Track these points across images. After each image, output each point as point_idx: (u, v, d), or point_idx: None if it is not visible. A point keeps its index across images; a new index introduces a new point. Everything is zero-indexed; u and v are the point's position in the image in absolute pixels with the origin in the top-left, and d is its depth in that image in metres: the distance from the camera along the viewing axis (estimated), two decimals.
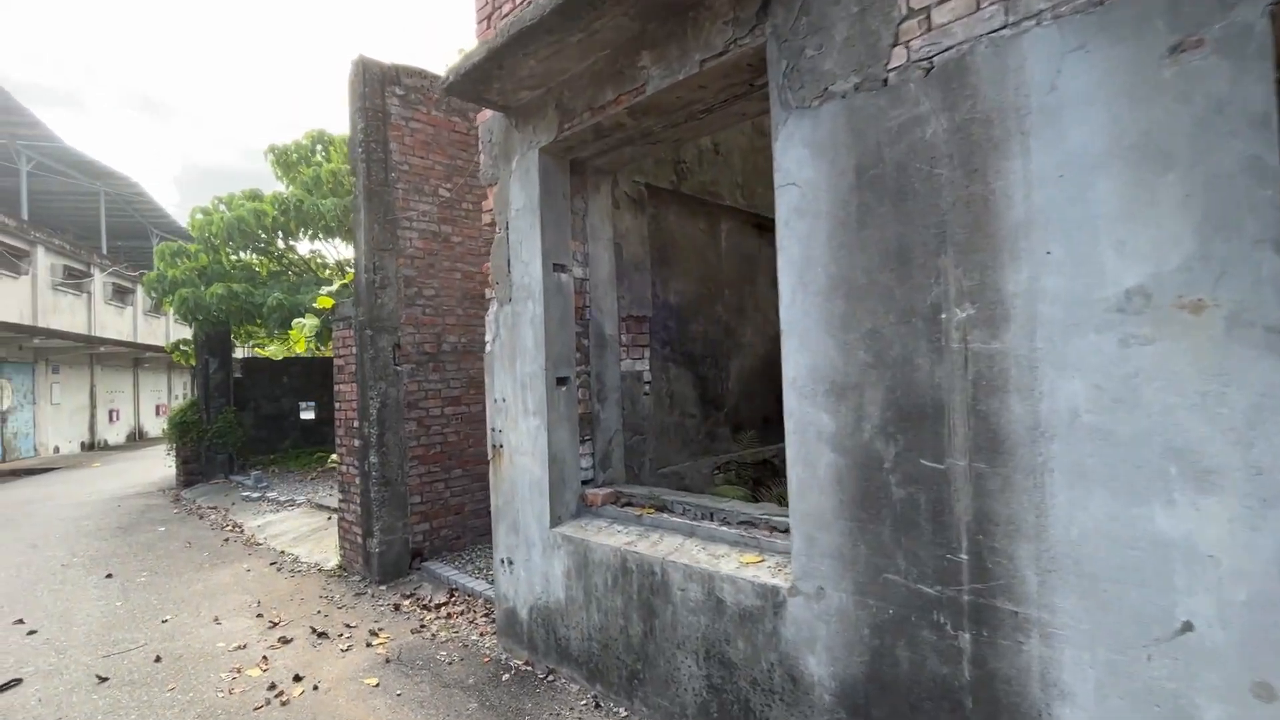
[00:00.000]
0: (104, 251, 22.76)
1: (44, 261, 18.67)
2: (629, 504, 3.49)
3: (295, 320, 5.56)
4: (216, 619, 4.49)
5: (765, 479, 4.99)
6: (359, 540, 5.25)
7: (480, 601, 4.46)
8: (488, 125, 3.84)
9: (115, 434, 22.60)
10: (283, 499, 8.40)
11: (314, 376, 12.74)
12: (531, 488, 3.52)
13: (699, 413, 4.61)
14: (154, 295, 10.16)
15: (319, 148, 11.11)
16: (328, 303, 5.57)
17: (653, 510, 3.30)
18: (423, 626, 4.17)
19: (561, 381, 3.53)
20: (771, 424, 5.32)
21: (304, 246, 12.53)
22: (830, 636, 2.25)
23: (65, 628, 4.47)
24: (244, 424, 11.24)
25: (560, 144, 3.40)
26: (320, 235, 10.68)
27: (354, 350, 5.29)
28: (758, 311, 5.23)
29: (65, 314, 19.67)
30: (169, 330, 26.57)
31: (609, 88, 3.04)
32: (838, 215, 2.21)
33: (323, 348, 13.77)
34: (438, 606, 4.49)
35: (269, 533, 6.97)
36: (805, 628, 2.32)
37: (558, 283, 3.54)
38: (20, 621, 4.59)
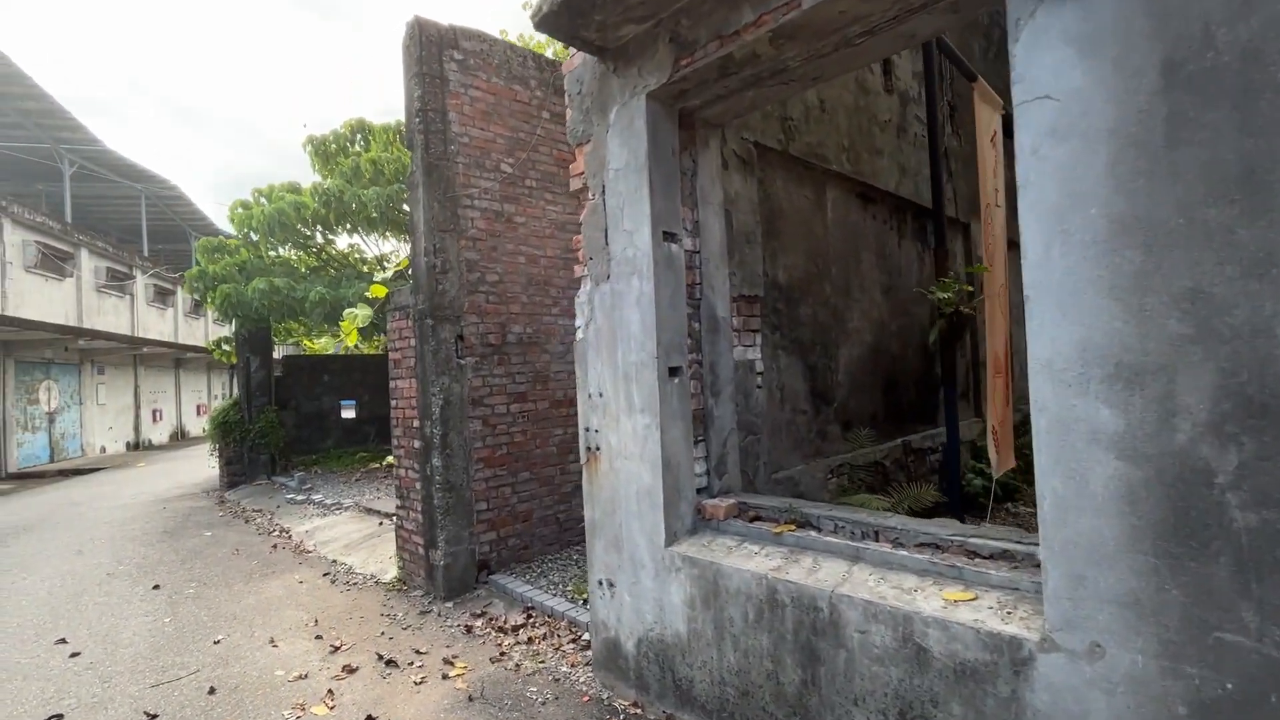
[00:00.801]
0: (145, 254, 22.97)
1: (88, 264, 18.84)
2: (758, 518, 2.92)
3: (346, 311, 5.11)
4: (273, 640, 4.05)
5: (877, 484, 4.37)
6: (420, 551, 4.77)
7: (564, 624, 3.94)
8: (576, 75, 3.29)
9: (159, 434, 22.84)
10: (329, 502, 8.03)
11: (354, 374, 12.44)
12: (639, 498, 2.97)
13: (810, 409, 4.02)
14: (195, 292, 9.92)
15: (358, 137, 10.75)
16: (381, 291, 5.11)
17: (792, 527, 2.73)
18: (502, 654, 3.66)
19: (674, 372, 2.97)
20: (878, 421, 4.70)
21: (343, 241, 12.24)
22: (1116, 713, 1.64)
23: (110, 649, 4.07)
24: (285, 424, 10.97)
25: (672, 87, 2.84)
26: (361, 228, 10.31)
27: (412, 342, 4.81)
28: (863, 294, 4.61)
29: (109, 315, 19.85)
30: (207, 331, 26.83)
31: (747, 6, 2.45)
32: (1128, 133, 1.60)
33: (363, 344, 13.49)
34: (515, 629, 3.98)
35: (318, 539, 6.57)
36: (1070, 698, 1.71)
37: (668, 255, 2.98)
38: (63, 641, 4.22)
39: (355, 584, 5.13)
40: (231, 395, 30.69)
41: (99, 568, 6.04)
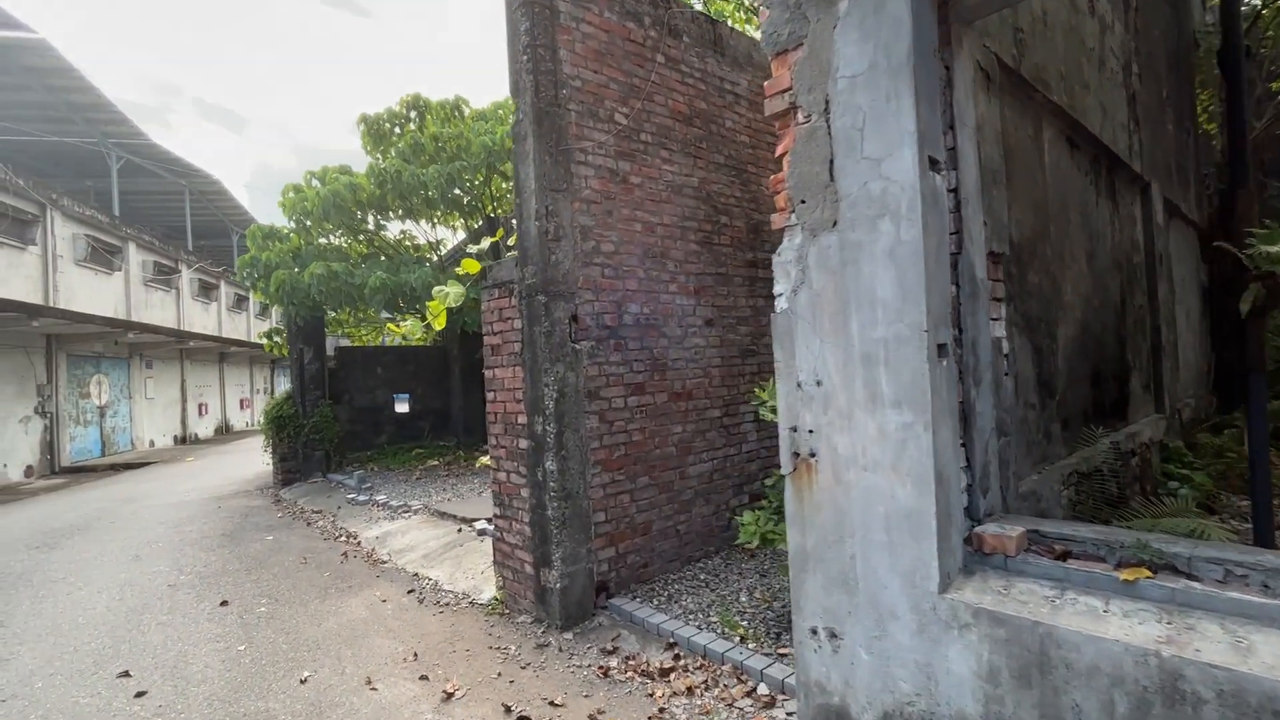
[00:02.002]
0: (189, 248, 22.93)
1: (135, 258, 18.75)
2: (1068, 554, 2.10)
3: (435, 290, 4.40)
4: (369, 681, 3.36)
5: (1107, 497, 3.50)
6: (527, 570, 4.06)
7: (727, 669, 3.17)
8: None
9: (204, 427, 22.83)
10: (394, 504, 7.41)
11: (407, 366, 11.89)
12: (890, 523, 2.17)
13: (1037, 402, 3.17)
14: (248, 280, 9.41)
15: (413, 114, 10.12)
16: (474, 267, 4.40)
17: (1147, 572, 1.90)
18: (661, 711, 2.91)
19: (942, 351, 2.16)
20: (1088, 418, 3.82)
21: (394, 227, 11.66)
22: None
23: (180, 686, 3.44)
24: (339, 418, 10.44)
25: None
26: (421, 210, 9.69)
27: (517, 324, 4.08)
28: (1074, 261, 3.73)
29: (156, 309, 19.79)
30: (249, 325, 26.86)
31: None
32: None
33: (423, 333, 12.92)
34: (664, 673, 3.22)
35: (391, 547, 5.93)
36: None
37: (934, 189, 2.17)
38: (127, 674, 3.60)
39: (447, 605, 4.44)
40: (273, 389, 30.85)
41: (159, 577, 5.48)
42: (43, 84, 15.86)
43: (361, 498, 8.05)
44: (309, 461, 10.09)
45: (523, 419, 4.08)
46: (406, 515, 6.98)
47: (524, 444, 4.07)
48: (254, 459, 13.87)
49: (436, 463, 10.20)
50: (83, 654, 3.94)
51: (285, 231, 10.14)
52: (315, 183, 9.79)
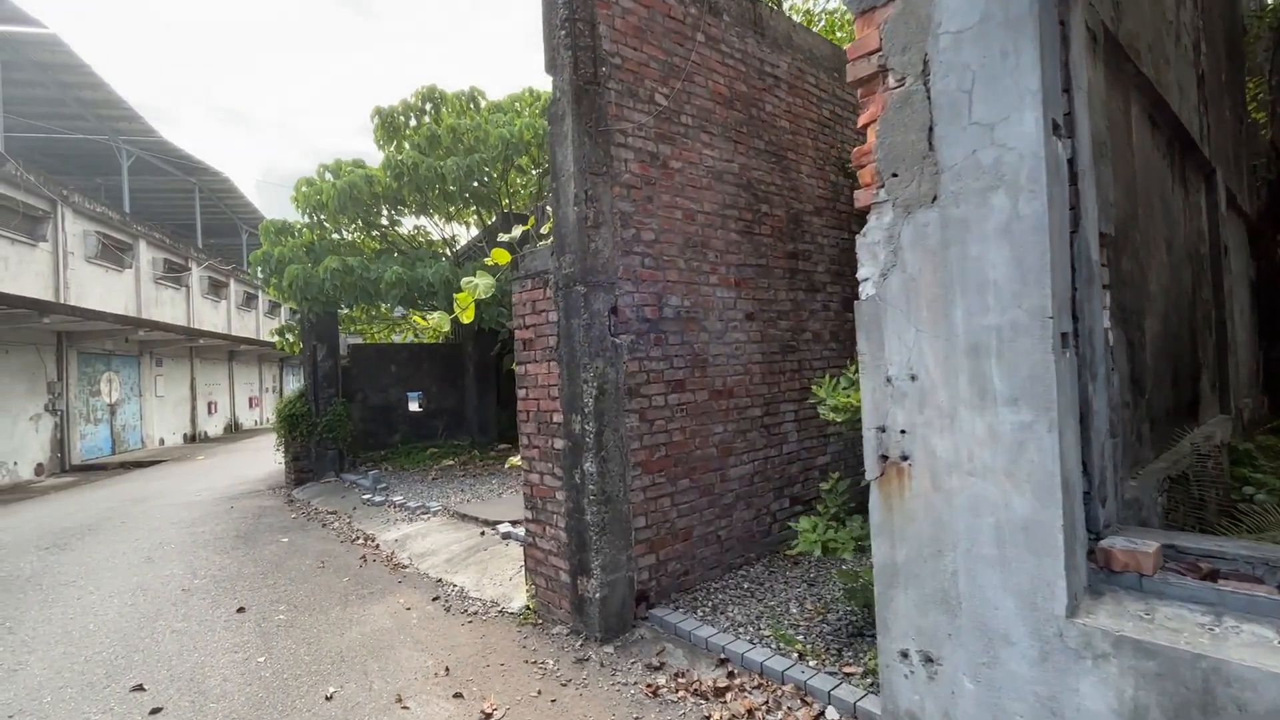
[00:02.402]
0: (199, 246, 22.83)
1: (146, 255, 18.65)
2: (1215, 574, 1.84)
3: (464, 281, 4.16)
4: (400, 699, 3.13)
5: (1183, 505, 3.23)
6: (562, 578, 3.82)
7: (789, 689, 2.91)
8: None
9: (214, 426, 22.74)
10: (412, 505, 7.19)
11: (421, 364, 11.68)
12: (1002, 536, 1.92)
13: (1130, 399, 2.90)
14: (260, 274, 9.22)
15: (428, 106, 9.90)
16: (504, 257, 4.16)
17: None
18: None
19: (1064, 341, 1.91)
20: (1169, 416, 3.55)
21: (409, 222, 11.47)
22: None
23: (198, 702, 3.22)
24: (352, 417, 10.24)
25: None
26: (438, 204, 9.48)
27: (552, 316, 3.84)
28: (1156, 249, 3.46)
29: (166, 307, 19.69)
30: (258, 324, 26.78)
31: None
32: None
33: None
34: (718, 692, 2.97)
35: (412, 551, 5.71)
36: None
37: (1057, 157, 1.91)
38: (140, 688, 3.38)
39: (475, 614, 4.21)
40: (281, 387, 30.78)
41: (172, 581, 5.27)
42: (54, 80, 15.75)
43: (378, 498, 7.84)
44: (322, 461, 9.89)
45: (558, 418, 3.84)
46: (425, 517, 6.75)
47: (559, 444, 3.83)
48: (264, 458, 13.71)
49: (452, 462, 9.99)
50: (94, 664, 3.73)
51: (298, 226, 9.95)
52: (329, 176, 9.59)
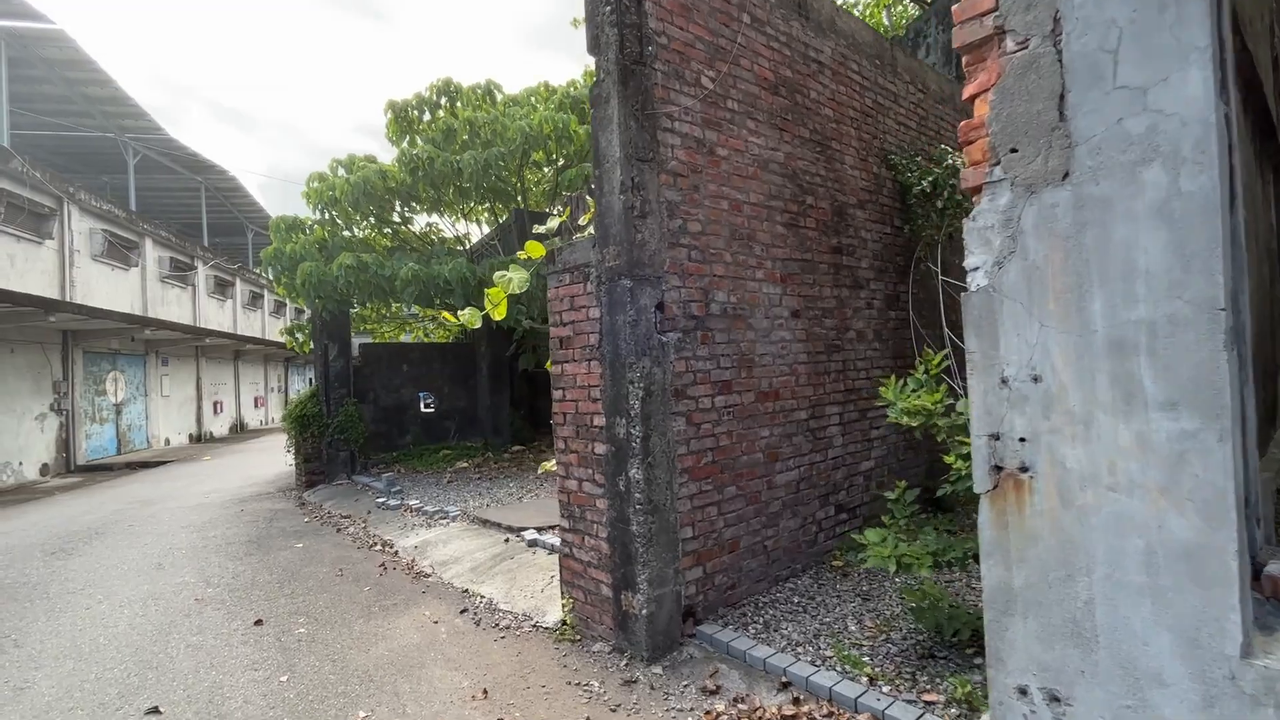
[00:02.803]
0: (205, 245, 22.66)
1: (152, 254, 18.47)
2: None
3: (497, 275, 3.92)
4: None
5: None
6: (604, 591, 3.57)
7: (864, 719, 2.67)
8: None
9: (219, 426, 22.56)
10: (429, 510, 6.95)
11: (433, 364, 11.45)
12: (1154, 561, 1.67)
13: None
14: (271, 273, 9.01)
15: (443, 100, 9.68)
16: (539, 250, 3.92)
17: None
18: None
19: (1230, 338, 1.66)
20: (1262, 424, 3.28)
21: (420, 220, 11.24)
22: None
23: None
24: (364, 417, 10.02)
25: None
26: (453, 201, 9.27)
27: (594, 313, 3.60)
28: (1250, 239, 3.20)
29: (172, 306, 19.52)
30: (264, 323, 26.60)
31: None
32: None
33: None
34: None
35: (433, 558, 5.47)
36: None
37: (1226, 125, 1.67)
38: (156, 711, 3.14)
39: (508, 628, 3.97)
40: (286, 387, 30.61)
41: (185, 589, 5.05)
42: (60, 76, 15.58)
43: (392, 502, 7.61)
44: (334, 462, 9.67)
45: (599, 420, 3.60)
46: (444, 522, 6.52)
47: (601, 449, 3.58)
48: (272, 459, 13.51)
49: (466, 465, 9.76)
50: (105, 682, 3.50)
51: (309, 223, 9.73)
52: (342, 171, 9.37)
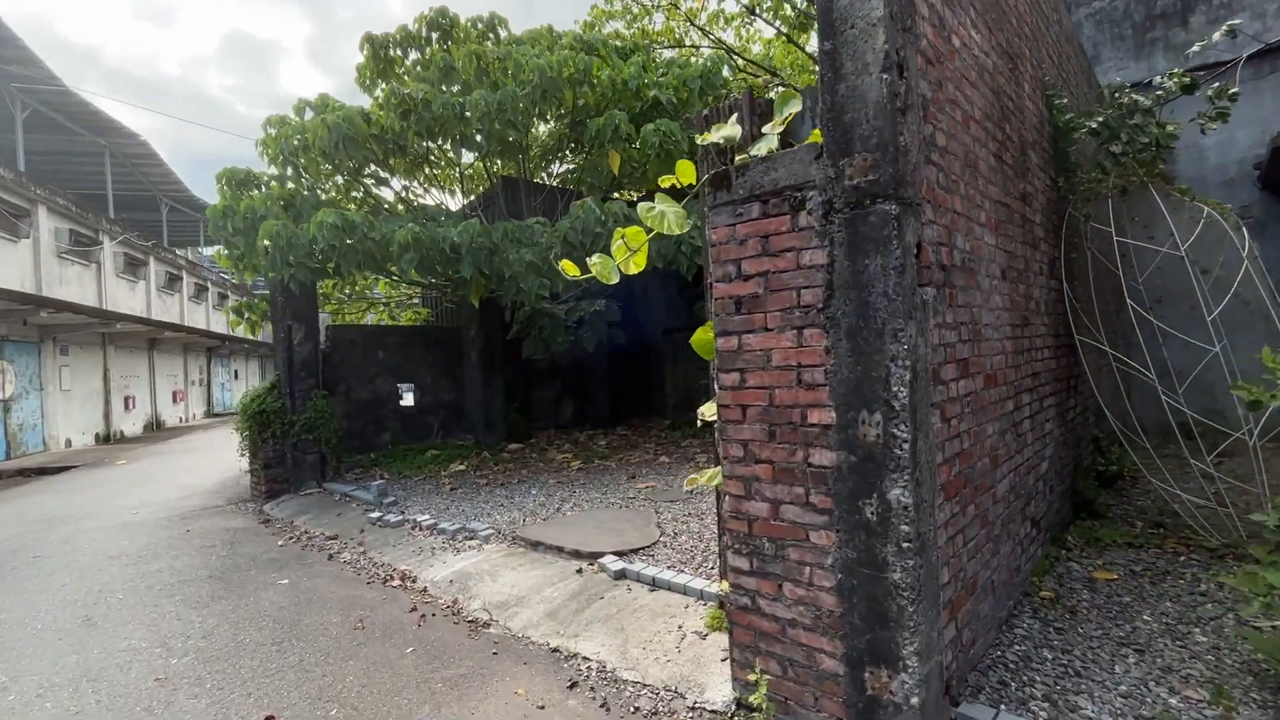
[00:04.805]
0: (111, 217, 19.65)
1: (47, 224, 15.64)
2: None
3: (642, 208, 2.68)
4: None
5: None
6: (826, 666, 2.44)
7: None
8: None
9: (131, 424, 19.78)
10: (447, 526, 5.58)
11: (413, 350, 9.88)
12: None
13: None
14: (221, 234, 7.25)
15: (434, 36, 8.15)
16: (689, 172, 2.72)
17: None
18: None
19: None
20: None
21: (395, 185, 9.60)
22: None
23: None
24: (335, 413, 8.40)
25: None
26: (455, 154, 7.79)
27: (813, 257, 2.44)
28: None
29: (73, 286, 16.66)
30: (184, 308, 23.57)
31: None
32: None
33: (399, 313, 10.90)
34: None
35: (485, 598, 4.16)
36: None
37: None
38: None
39: (655, 715, 2.77)
40: (209, 379, 27.50)
41: (135, 661, 3.54)
42: None
43: (390, 517, 6.16)
44: (300, 467, 8.02)
45: (818, 416, 2.45)
46: (474, 545, 5.18)
47: (823, 458, 2.44)
48: (203, 461, 11.55)
49: (462, 467, 8.33)
50: None
51: (264, 178, 7.99)
52: (310, 113, 7.70)
